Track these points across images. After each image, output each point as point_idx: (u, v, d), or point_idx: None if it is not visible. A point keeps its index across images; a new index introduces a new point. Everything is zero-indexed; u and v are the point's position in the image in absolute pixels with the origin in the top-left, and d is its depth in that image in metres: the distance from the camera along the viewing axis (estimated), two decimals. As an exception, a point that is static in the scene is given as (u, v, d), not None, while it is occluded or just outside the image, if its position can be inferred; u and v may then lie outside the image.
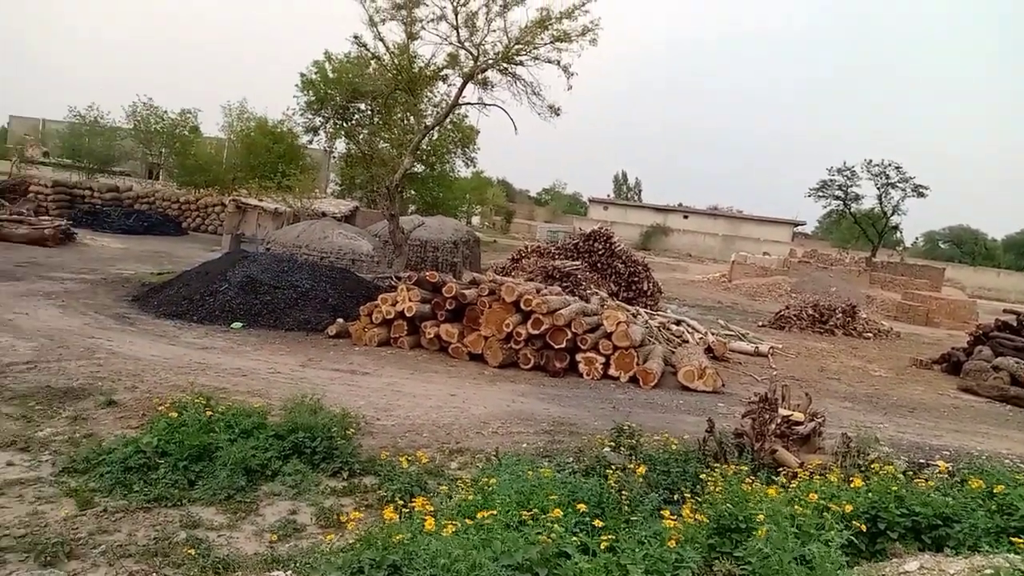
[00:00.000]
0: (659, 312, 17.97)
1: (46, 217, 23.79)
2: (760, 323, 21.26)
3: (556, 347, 11.49)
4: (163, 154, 41.88)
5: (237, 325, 12.45)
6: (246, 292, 13.32)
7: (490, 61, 18.03)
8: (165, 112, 39.96)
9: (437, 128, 24.30)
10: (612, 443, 7.07)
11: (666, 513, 4.51)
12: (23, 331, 10.29)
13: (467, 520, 4.19)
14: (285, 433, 6.59)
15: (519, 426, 8.37)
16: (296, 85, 34.52)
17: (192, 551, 4.72)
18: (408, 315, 12.28)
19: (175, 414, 6.41)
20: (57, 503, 5.25)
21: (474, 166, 38.89)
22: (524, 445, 7.63)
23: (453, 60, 18.94)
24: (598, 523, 4.22)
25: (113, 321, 11.89)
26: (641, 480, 5.60)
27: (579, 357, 11.59)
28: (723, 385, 11.58)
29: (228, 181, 35.27)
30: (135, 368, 8.94)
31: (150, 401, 7.45)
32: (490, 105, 18.75)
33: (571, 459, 7.06)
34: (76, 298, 13.33)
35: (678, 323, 16.31)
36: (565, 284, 16.04)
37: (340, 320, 12.81)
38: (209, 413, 6.55)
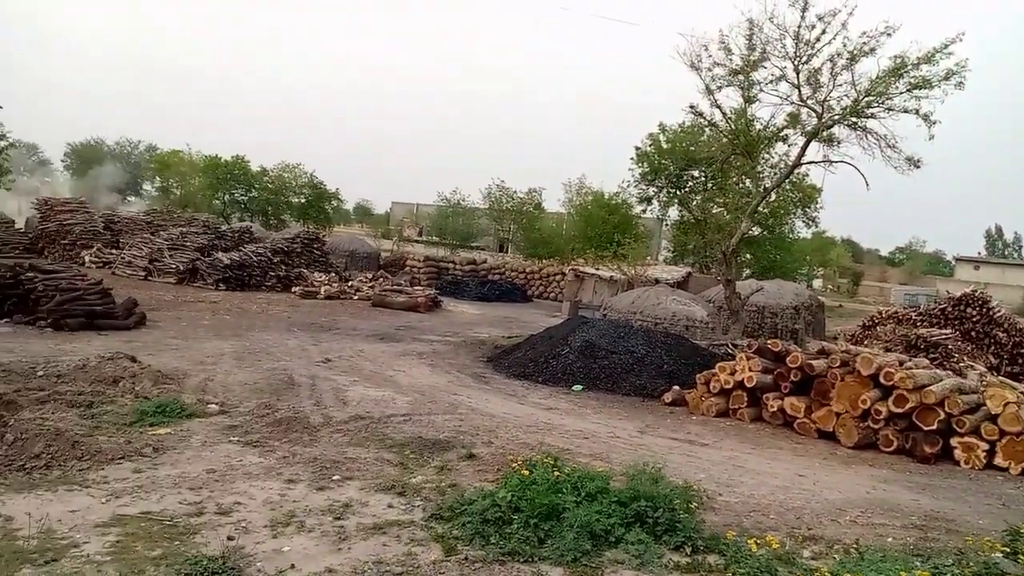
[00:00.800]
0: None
1: (419, 287, 27.38)
2: None
3: (925, 429, 10.07)
4: (512, 229, 46.07)
5: (577, 388, 12.95)
6: (585, 356, 13.84)
7: (836, 117, 16.99)
8: (514, 192, 44.13)
9: (775, 190, 23.41)
10: (1006, 548, 5.91)
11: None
12: (401, 386, 11.78)
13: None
14: (627, 500, 6.56)
15: (882, 517, 7.40)
16: (631, 158, 36.00)
17: (542, 610, 4.84)
18: (748, 385, 11.73)
19: (526, 472, 6.74)
20: (427, 547, 5.74)
21: (815, 226, 36.68)
22: (889, 539, 6.71)
23: (794, 119, 18.19)
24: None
25: (472, 380, 13.10)
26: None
27: (955, 442, 10.02)
28: None
29: (568, 251, 37.57)
30: (490, 424, 9.68)
31: (504, 457, 7.96)
32: (837, 162, 17.60)
33: (951, 562, 6.02)
34: (442, 358, 14.98)
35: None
36: (933, 356, 14.14)
37: (676, 387, 12.67)
38: (556, 474, 6.79)
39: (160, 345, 13.29)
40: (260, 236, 31.12)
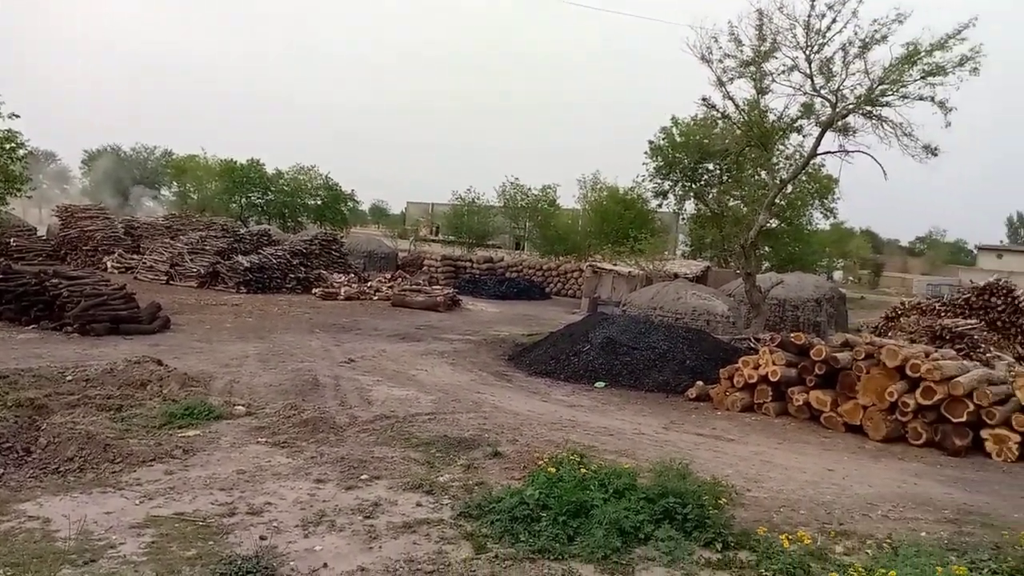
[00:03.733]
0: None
1: (437, 287, 27.46)
2: None
3: (954, 421, 9.97)
4: (527, 227, 46.03)
5: (600, 384, 12.93)
6: (607, 353, 13.82)
7: (850, 106, 16.83)
8: (529, 189, 44.05)
9: (792, 181, 23.23)
10: (1043, 542, 5.85)
11: None
12: (424, 385, 11.82)
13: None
14: (655, 497, 6.54)
15: (914, 511, 7.34)
16: (644, 152, 35.75)
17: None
18: (772, 380, 11.66)
19: (553, 469, 6.75)
20: (457, 544, 5.76)
21: (834, 217, 36.35)
22: (923, 534, 6.65)
23: (808, 110, 18.02)
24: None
25: (494, 378, 13.12)
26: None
27: (985, 434, 9.91)
28: None
29: (584, 248, 37.47)
30: (515, 422, 9.70)
31: (530, 454, 7.97)
32: (853, 152, 17.43)
33: (987, 556, 5.97)
34: (463, 357, 15.01)
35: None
36: (959, 347, 14.00)
37: (700, 383, 12.62)
38: (583, 471, 6.79)
39: (185, 348, 13.41)
40: (278, 238, 31.28)
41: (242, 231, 30.49)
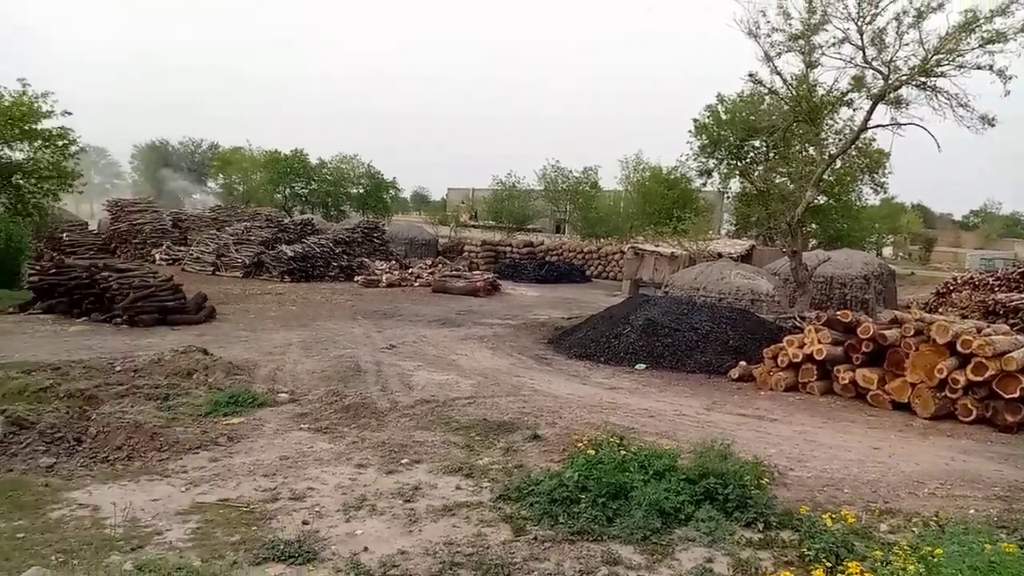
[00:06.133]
0: None
1: (477, 272, 27.51)
2: None
3: (1006, 397, 9.65)
4: (568, 210, 45.80)
5: (640, 366, 12.83)
6: (648, 335, 13.69)
7: (904, 77, 16.28)
8: (570, 172, 43.79)
9: (841, 156, 22.66)
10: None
11: None
12: (464, 370, 11.87)
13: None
14: (696, 478, 6.47)
15: (963, 488, 7.14)
16: (688, 131, 35.28)
17: (614, 589, 4.82)
18: (817, 358, 11.43)
19: (592, 451, 6.72)
20: (496, 527, 5.78)
21: (884, 192, 35.38)
22: (971, 512, 6.47)
23: (859, 82, 17.48)
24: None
25: (533, 361, 13.11)
26: None
27: (1040, 409, 9.59)
28: None
29: (626, 229, 37.15)
30: (554, 405, 9.68)
31: (569, 437, 7.96)
32: (905, 124, 16.88)
33: (1039, 534, 5.78)
34: (503, 341, 15.02)
35: None
36: (1012, 321, 13.56)
37: (743, 363, 12.43)
38: (623, 452, 6.74)
39: (230, 337, 13.67)
40: (321, 227, 31.68)
41: (286, 221, 30.93)
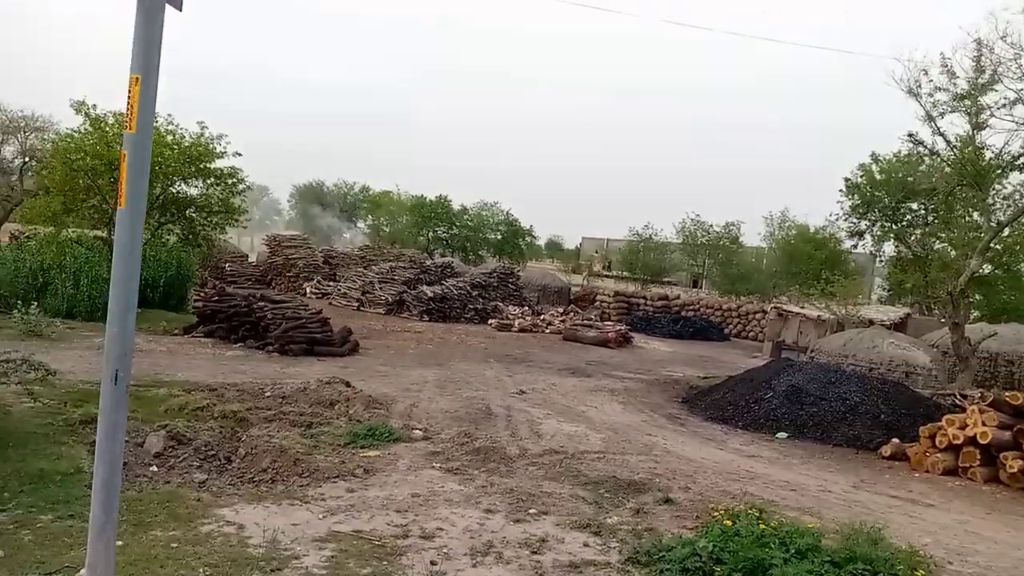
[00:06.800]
0: None
1: (609, 322, 27.29)
2: None
3: None
4: (707, 264, 44.75)
5: (782, 435, 12.19)
6: (791, 402, 13.02)
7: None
8: (711, 226, 42.91)
9: (1011, 224, 20.99)
10: None
11: None
12: (593, 423, 11.71)
13: None
14: (842, 561, 6.01)
15: None
16: (840, 190, 33.71)
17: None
18: (982, 442, 10.44)
19: (729, 522, 6.40)
20: (624, 591, 5.59)
21: (1059, 263, 32.25)
22: None
23: (1032, 146, 16.28)
24: None
25: (666, 420, 12.75)
26: None
27: None
28: None
29: (769, 288, 35.81)
30: (688, 469, 9.33)
31: (703, 504, 7.63)
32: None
33: None
34: (634, 396, 14.74)
35: None
36: None
37: (895, 440, 11.54)
38: (762, 526, 6.38)
39: (370, 371, 14.19)
40: (460, 271, 32.56)
41: (427, 263, 32.05)
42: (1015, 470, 10.14)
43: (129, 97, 3.39)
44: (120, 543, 5.05)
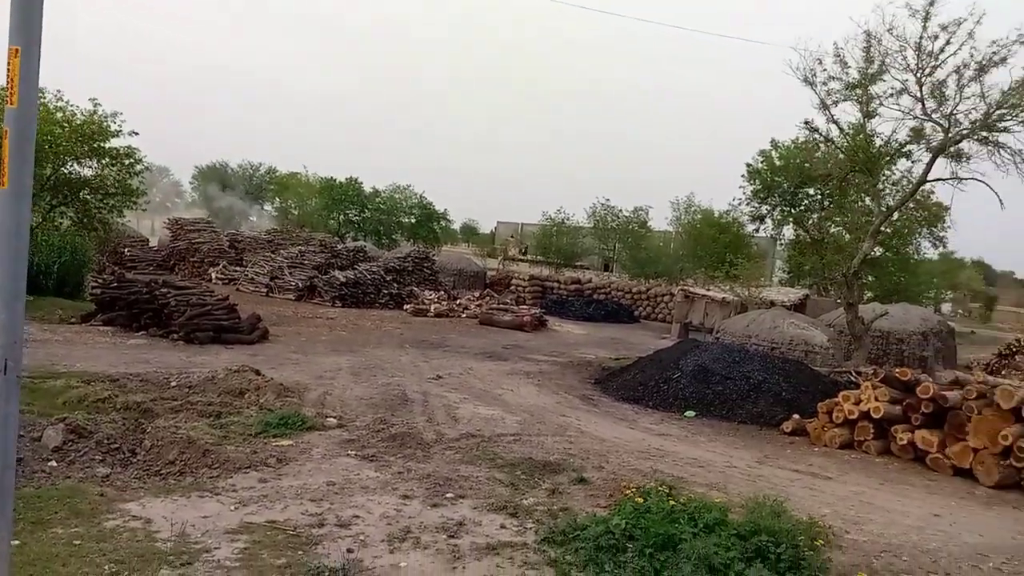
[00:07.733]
0: None
1: (524, 306, 27.49)
2: None
3: (1077, 469, 9.22)
4: (617, 248, 45.63)
5: (690, 414, 12.60)
6: (698, 381, 13.46)
7: (964, 131, 15.95)
8: (620, 211, 43.72)
9: (899, 209, 22.22)
10: None
11: None
12: (509, 405, 11.81)
13: None
14: (747, 534, 6.28)
15: (1033, 565, 6.80)
16: (742, 175, 35.04)
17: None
18: (875, 416, 11.08)
19: (640, 499, 6.58)
20: (540, 570, 5.68)
21: (943, 246, 34.52)
22: (1043, 590, 6.15)
23: (917, 134, 17.21)
24: None
25: (580, 401, 12.98)
26: None
27: (1114, 484, 9.13)
28: None
29: (676, 271, 36.83)
30: (600, 448, 9.54)
31: (616, 483, 7.82)
32: (966, 179, 16.50)
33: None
34: (549, 378, 14.94)
35: None
36: (1083, 389, 12.96)
37: (796, 416, 12.12)
38: (672, 502, 6.59)
39: (281, 359, 13.86)
40: (373, 255, 32.10)
41: (339, 247, 31.43)
42: (905, 442, 10.80)
43: (9, 70, 3.17)
44: (17, 542, 4.80)
